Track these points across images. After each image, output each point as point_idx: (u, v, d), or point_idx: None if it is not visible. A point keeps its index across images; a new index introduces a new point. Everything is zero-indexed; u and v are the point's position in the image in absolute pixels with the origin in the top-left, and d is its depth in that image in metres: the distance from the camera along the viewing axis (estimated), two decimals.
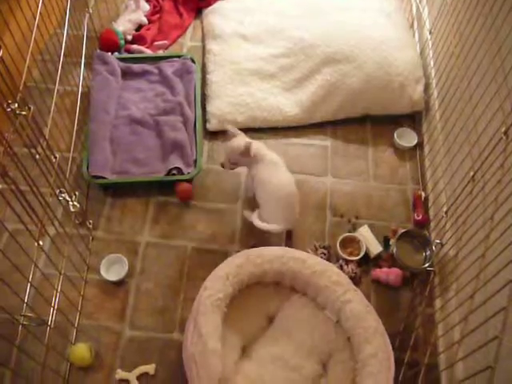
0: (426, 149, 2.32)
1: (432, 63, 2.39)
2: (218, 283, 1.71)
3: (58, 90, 1.90)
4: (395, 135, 2.36)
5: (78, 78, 2.20)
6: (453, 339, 1.67)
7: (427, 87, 2.41)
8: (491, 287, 1.26)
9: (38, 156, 1.59)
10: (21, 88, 1.49)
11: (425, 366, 1.61)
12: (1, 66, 1.29)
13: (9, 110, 1.39)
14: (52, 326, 1.69)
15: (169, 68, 2.42)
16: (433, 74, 2.38)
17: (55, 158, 1.71)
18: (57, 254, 1.80)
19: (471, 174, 1.72)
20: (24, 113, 1.43)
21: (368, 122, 2.43)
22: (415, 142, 2.36)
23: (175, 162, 2.10)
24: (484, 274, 1.35)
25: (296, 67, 2.44)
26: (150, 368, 1.79)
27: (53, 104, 1.84)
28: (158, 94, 2.37)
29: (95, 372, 1.78)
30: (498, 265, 1.28)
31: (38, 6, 1.70)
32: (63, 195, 1.80)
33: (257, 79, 2.44)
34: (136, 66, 2.43)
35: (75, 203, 1.83)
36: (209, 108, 2.35)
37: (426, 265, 1.94)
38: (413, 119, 2.44)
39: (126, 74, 2.41)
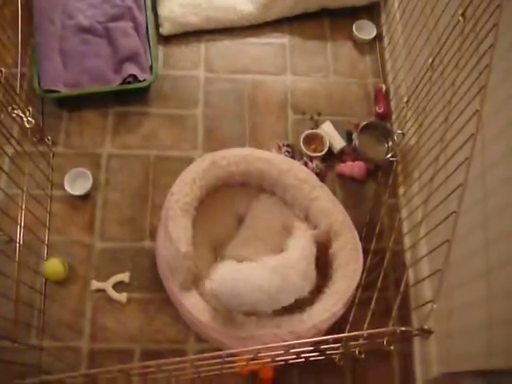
0: (386, 40, 2.29)
1: None
2: (185, 187, 1.71)
3: None
4: (354, 28, 2.30)
5: None
6: (416, 221, 1.73)
7: None
8: (451, 167, 1.29)
9: None
10: None
11: (390, 250, 1.67)
12: None
13: None
14: (21, 243, 1.68)
15: None
16: None
17: (1, 72, 1.63)
18: (18, 174, 1.76)
19: (430, 60, 1.71)
20: None
21: (326, 16, 2.36)
22: (374, 33, 2.31)
23: (130, 69, 2.02)
24: (445, 156, 1.38)
25: None
26: (124, 276, 1.82)
27: None
28: (105, 0, 2.24)
29: (71, 284, 1.81)
30: (456, 145, 1.30)
31: None
32: (16, 112, 1.74)
33: None
34: None
35: (30, 119, 1.77)
36: (160, 11, 2.25)
37: (389, 155, 1.97)
38: (371, 11, 2.38)
39: None
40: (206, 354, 1.07)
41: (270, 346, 1.09)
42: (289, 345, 1.11)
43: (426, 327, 0.98)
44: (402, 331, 1.00)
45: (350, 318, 1.73)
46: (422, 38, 1.83)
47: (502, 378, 1.30)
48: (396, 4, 2.19)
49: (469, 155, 1.12)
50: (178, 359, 1.06)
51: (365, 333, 1.07)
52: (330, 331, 1.61)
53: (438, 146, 1.43)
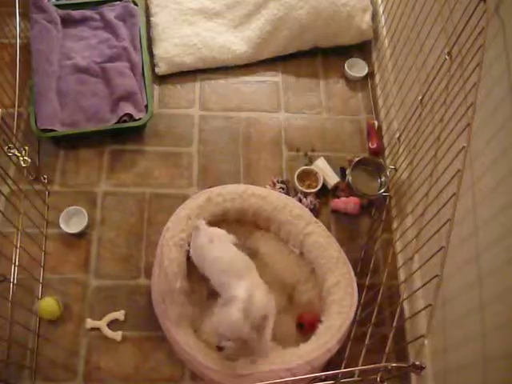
0: (377, 77, 2.33)
1: None
2: (180, 224, 1.73)
3: None
4: (346, 66, 2.35)
5: (14, 29, 2.10)
6: (409, 255, 1.73)
7: (375, 15, 2.39)
8: (441, 202, 1.30)
9: None
10: None
11: (384, 285, 1.67)
12: None
13: None
14: (15, 282, 1.68)
15: (110, 12, 2.33)
16: (379, 1, 2.36)
17: None
18: (13, 212, 1.77)
19: (419, 97, 1.75)
20: None
21: (318, 54, 2.42)
22: (366, 71, 2.36)
23: (125, 108, 2.06)
24: (437, 190, 1.40)
25: (241, 3, 2.39)
26: (119, 314, 1.81)
27: None
28: (101, 41, 2.29)
29: (65, 323, 1.80)
30: (445, 180, 1.32)
31: None
32: (12, 151, 1.76)
33: (202, 18, 2.38)
34: (76, 13, 2.33)
35: (26, 158, 1.78)
36: (156, 51, 2.30)
37: (382, 190, 1.98)
38: (362, 49, 2.44)
39: (67, 22, 2.31)
40: None
41: (262, 383, 1.09)
42: (282, 382, 1.10)
43: (417, 363, 0.98)
44: (393, 367, 1.00)
45: (346, 354, 1.72)
46: (412, 75, 1.88)
47: None
48: (386, 42, 2.24)
49: (456, 191, 1.14)
50: None
51: (357, 369, 1.06)
52: (325, 367, 1.60)
53: (428, 181, 1.44)
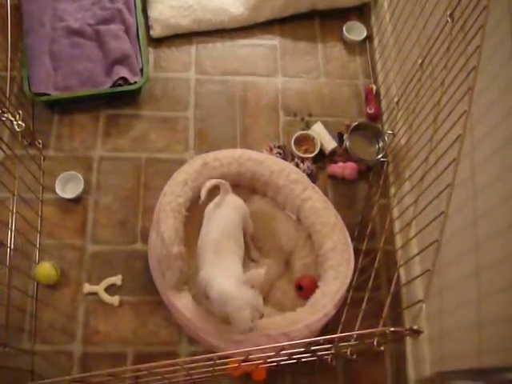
0: (376, 41, 2.30)
1: None
2: (177, 188, 1.72)
3: None
4: (344, 29, 2.31)
5: None
6: (407, 221, 1.73)
7: None
8: (440, 167, 1.30)
9: None
10: None
11: (381, 250, 1.67)
12: None
13: None
14: (12, 247, 1.67)
15: None
16: None
17: None
18: (9, 178, 1.75)
19: (419, 61, 1.72)
20: None
21: (316, 17, 2.37)
22: (364, 35, 2.32)
23: (120, 72, 2.02)
24: (436, 155, 1.39)
25: None
26: (116, 279, 1.82)
27: None
28: (94, 2, 2.23)
29: (63, 288, 1.81)
30: (445, 145, 1.31)
31: None
32: (6, 115, 1.73)
33: None
34: None
35: (20, 122, 1.76)
36: (151, 13, 2.25)
37: (380, 156, 1.97)
38: (361, 12, 2.39)
39: None
40: (197, 357, 1.07)
41: (261, 347, 1.09)
42: (280, 346, 1.11)
43: (415, 327, 0.99)
44: (391, 331, 1.00)
45: (342, 319, 1.73)
46: (412, 38, 1.84)
47: (492, 376, 1.30)
48: (386, 5, 2.20)
49: (456, 156, 1.13)
50: (169, 362, 1.05)
51: (355, 334, 1.07)
52: (322, 331, 1.62)
53: (427, 146, 1.43)
